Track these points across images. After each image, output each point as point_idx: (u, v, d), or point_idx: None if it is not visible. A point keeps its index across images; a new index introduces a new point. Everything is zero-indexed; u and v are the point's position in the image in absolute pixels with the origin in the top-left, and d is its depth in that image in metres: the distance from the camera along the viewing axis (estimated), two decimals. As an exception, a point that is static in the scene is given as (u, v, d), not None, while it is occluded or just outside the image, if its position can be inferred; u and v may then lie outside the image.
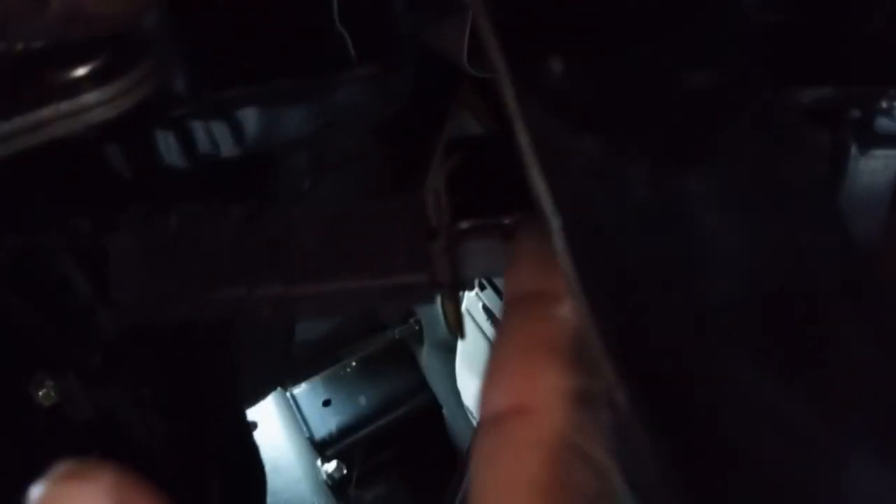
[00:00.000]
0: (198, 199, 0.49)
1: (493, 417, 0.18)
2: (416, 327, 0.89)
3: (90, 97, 0.24)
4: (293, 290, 0.24)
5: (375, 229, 0.27)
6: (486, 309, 0.54)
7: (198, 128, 0.47)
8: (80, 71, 0.25)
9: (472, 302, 0.56)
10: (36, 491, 0.17)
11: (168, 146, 0.47)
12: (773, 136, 0.20)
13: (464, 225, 0.25)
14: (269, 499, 0.60)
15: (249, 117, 0.49)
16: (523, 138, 0.19)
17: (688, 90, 0.20)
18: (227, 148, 0.49)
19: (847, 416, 0.16)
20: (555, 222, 0.18)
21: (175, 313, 0.25)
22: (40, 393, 0.40)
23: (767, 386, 0.17)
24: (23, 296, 0.38)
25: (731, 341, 0.17)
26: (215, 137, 0.48)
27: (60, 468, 0.17)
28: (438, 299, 0.28)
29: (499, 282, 0.51)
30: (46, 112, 0.25)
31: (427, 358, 0.86)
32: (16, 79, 0.25)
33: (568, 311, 0.18)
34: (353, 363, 0.91)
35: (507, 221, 0.25)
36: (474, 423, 0.68)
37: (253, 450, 0.60)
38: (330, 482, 0.84)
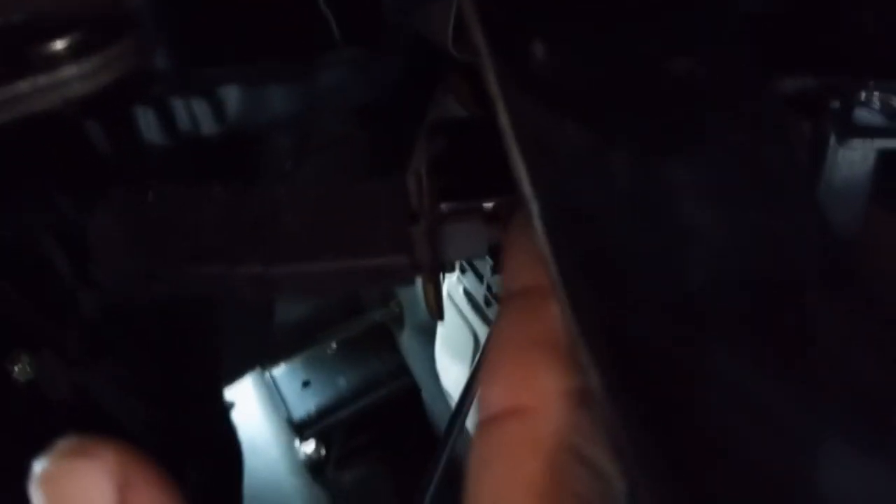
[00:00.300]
0: (179, 178, 0.48)
1: (490, 418, 0.17)
2: (397, 310, 0.89)
3: (68, 71, 0.24)
4: (274, 270, 0.24)
5: (358, 211, 0.27)
6: (466, 293, 0.54)
7: (179, 105, 0.47)
8: (58, 45, 0.24)
9: (453, 286, 0.56)
10: (38, 466, 0.17)
11: (148, 123, 0.46)
12: (755, 125, 0.20)
13: (445, 207, 0.26)
14: (246, 479, 0.60)
15: (231, 96, 0.48)
16: (504, 122, 0.19)
17: (670, 78, 0.20)
18: (208, 126, 0.49)
19: (828, 405, 0.16)
20: (533, 207, 0.18)
21: (156, 291, 0.25)
22: (16, 368, 0.40)
23: (746, 375, 0.17)
24: (2, 273, 0.37)
25: (710, 331, 0.17)
26: (196, 115, 0.48)
27: (63, 443, 0.17)
28: (419, 282, 0.28)
29: (480, 266, 0.51)
30: (24, 85, 0.24)
31: (407, 341, 0.86)
32: (-6, 51, 0.25)
33: None
34: (333, 345, 0.91)
35: (488, 205, 0.25)
36: (453, 406, 0.69)
37: (230, 430, 0.60)
38: (308, 463, 0.84)
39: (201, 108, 0.49)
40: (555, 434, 0.17)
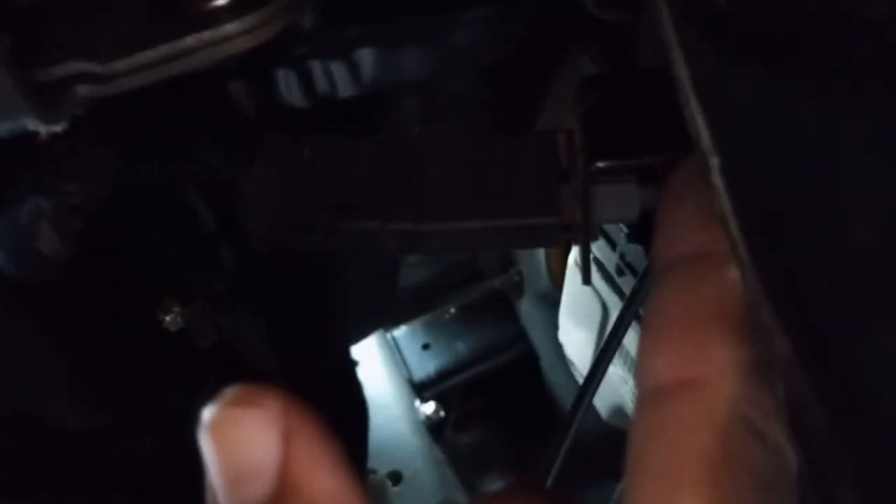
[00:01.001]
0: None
1: (658, 388, 0.17)
2: (517, 278, 0.89)
3: (231, 27, 0.25)
4: (425, 227, 0.24)
5: (505, 168, 0.26)
6: (596, 261, 0.53)
7: (317, 67, 0.48)
8: (221, 0, 0.25)
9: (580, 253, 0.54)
10: (207, 413, 0.18)
11: (288, 85, 0.47)
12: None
13: (599, 165, 0.25)
14: (370, 434, 0.62)
15: (367, 57, 0.49)
16: (681, 72, 0.18)
17: (866, 22, 0.18)
18: (344, 89, 0.49)
19: None
20: (713, 161, 0.17)
21: (307, 244, 0.25)
22: (168, 318, 0.42)
23: None
24: (155, 223, 0.39)
25: (887, 299, 0.16)
26: (333, 77, 0.49)
27: (230, 391, 0.18)
28: (541, 250, 0.27)
29: (613, 233, 0.50)
30: (189, 41, 0.25)
31: (526, 309, 0.86)
32: (158, 8, 0.26)
33: (737, 273, 0.17)
34: (453, 310, 0.92)
35: (647, 162, 0.24)
36: (577, 376, 0.68)
37: (357, 386, 0.62)
38: (428, 423, 0.86)
39: (338, 71, 0.49)
40: (728, 407, 0.16)
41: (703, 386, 0.16)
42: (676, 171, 0.20)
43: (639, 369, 0.17)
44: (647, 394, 0.17)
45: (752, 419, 0.16)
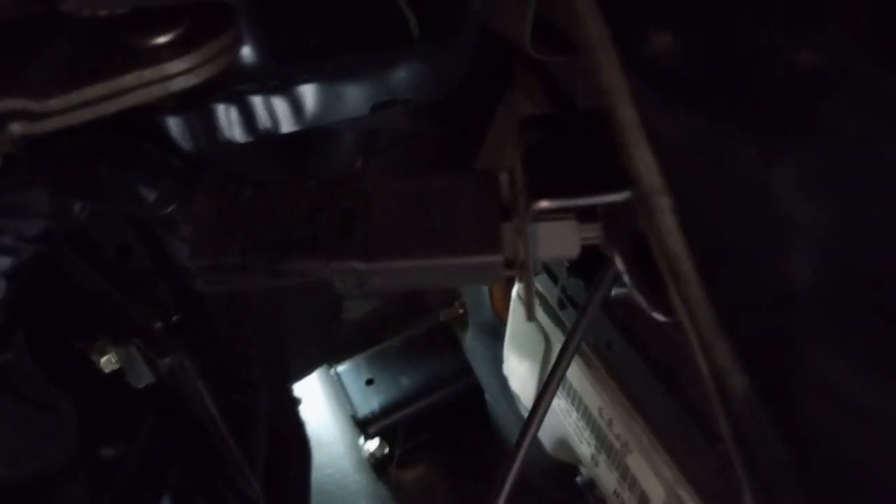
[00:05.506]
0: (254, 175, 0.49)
1: None
2: (461, 311, 0.89)
3: (173, 65, 0.24)
4: (368, 266, 0.24)
5: (447, 206, 0.26)
6: (538, 294, 0.53)
7: (258, 103, 0.47)
8: (163, 38, 0.25)
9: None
10: None
11: (229, 120, 0.47)
12: (875, 118, 0.19)
13: (542, 205, 0.25)
14: (312, 473, 0.61)
15: (309, 94, 0.49)
16: (627, 115, 0.19)
17: (790, 67, 0.19)
18: (287, 124, 0.49)
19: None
20: (663, 201, 0.18)
21: (249, 281, 0.25)
22: (102, 359, 0.41)
23: (852, 375, 0.16)
24: (89, 262, 0.38)
25: (815, 328, 0.17)
26: (275, 113, 0.49)
27: None
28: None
29: (554, 267, 0.50)
30: (128, 79, 0.25)
31: (471, 342, 0.86)
32: (99, 45, 0.25)
33: None
34: (397, 344, 0.91)
35: (587, 203, 0.24)
36: (521, 409, 0.68)
37: (299, 424, 0.61)
38: (371, 460, 0.84)
39: (280, 107, 0.49)
40: None
41: None
42: None
43: None
44: None
45: None
